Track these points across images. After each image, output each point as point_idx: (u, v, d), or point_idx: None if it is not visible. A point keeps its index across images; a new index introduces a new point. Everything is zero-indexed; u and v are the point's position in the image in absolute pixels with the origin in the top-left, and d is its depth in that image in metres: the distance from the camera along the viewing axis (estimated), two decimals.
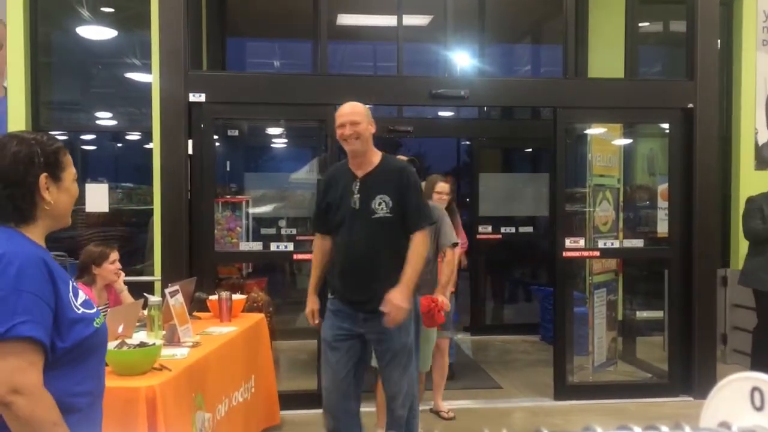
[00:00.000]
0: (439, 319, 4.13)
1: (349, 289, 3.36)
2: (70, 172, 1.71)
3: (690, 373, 5.29)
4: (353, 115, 3.32)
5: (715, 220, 5.52)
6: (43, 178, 1.62)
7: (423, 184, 5.09)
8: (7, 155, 1.61)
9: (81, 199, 5.44)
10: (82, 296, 1.66)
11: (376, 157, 3.39)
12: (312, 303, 3.53)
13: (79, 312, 1.61)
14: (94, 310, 1.68)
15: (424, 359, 4.20)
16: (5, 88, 5.30)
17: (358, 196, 3.31)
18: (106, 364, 2.97)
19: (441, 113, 8.54)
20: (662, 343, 6.10)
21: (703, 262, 5.30)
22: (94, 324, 1.65)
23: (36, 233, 1.65)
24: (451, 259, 4.27)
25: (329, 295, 3.50)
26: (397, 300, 3.17)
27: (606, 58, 6.87)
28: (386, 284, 3.20)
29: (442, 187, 4.82)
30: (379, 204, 3.26)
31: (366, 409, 3.79)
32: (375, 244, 3.27)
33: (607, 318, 5.97)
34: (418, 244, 3.28)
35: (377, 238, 3.27)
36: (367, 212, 3.27)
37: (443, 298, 4.19)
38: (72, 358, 1.59)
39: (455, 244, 4.34)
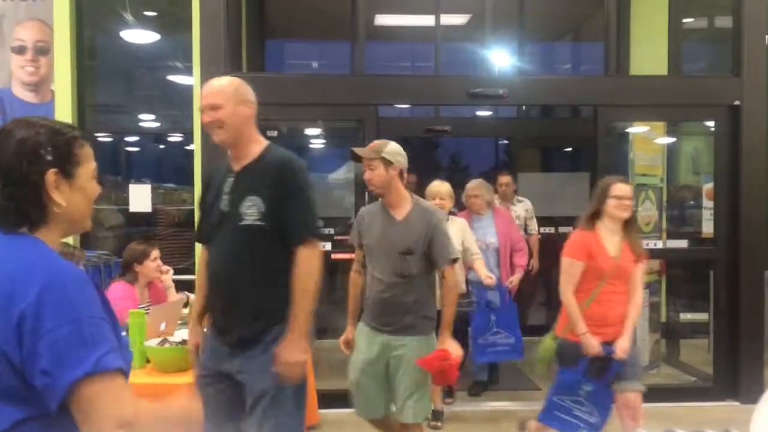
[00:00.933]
0: (453, 375, 3.20)
1: (215, 313, 2.66)
2: (87, 168, 1.43)
3: (736, 377, 5.16)
4: (213, 96, 2.53)
5: (762, 220, 5.37)
6: (51, 174, 1.35)
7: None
8: (11, 146, 1.35)
9: (125, 199, 5.58)
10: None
11: (258, 146, 2.62)
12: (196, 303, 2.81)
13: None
14: (123, 334, 1.49)
15: (426, 407, 3.34)
16: (52, 92, 5.44)
17: (228, 196, 2.58)
18: (148, 361, 3.05)
19: (479, 113, 8.49)
20: (707, 346, 5.95)
21: (750, 264, 5.17)
22: (130, 348, 1.50)
23: (50, 240, 1.38)
24: (453, 281, 3.30)
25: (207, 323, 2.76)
26: (286, 357, 2.45)
27: (648, 54, 6.73)
28: (259, 311, 2.53)
29: (623, 190, 3.47)
30: (249, 208, 2.51)
31: None
32: (240, 258, 2.54)
33: (650, 320, 5.87)
34: (305, 266, 2.49)
35: (244, 250, 2.53)
36: (236, 217, 2.53)
37: (456, 348, 3.24)
38: None
39: (455, 260, 3.35)
